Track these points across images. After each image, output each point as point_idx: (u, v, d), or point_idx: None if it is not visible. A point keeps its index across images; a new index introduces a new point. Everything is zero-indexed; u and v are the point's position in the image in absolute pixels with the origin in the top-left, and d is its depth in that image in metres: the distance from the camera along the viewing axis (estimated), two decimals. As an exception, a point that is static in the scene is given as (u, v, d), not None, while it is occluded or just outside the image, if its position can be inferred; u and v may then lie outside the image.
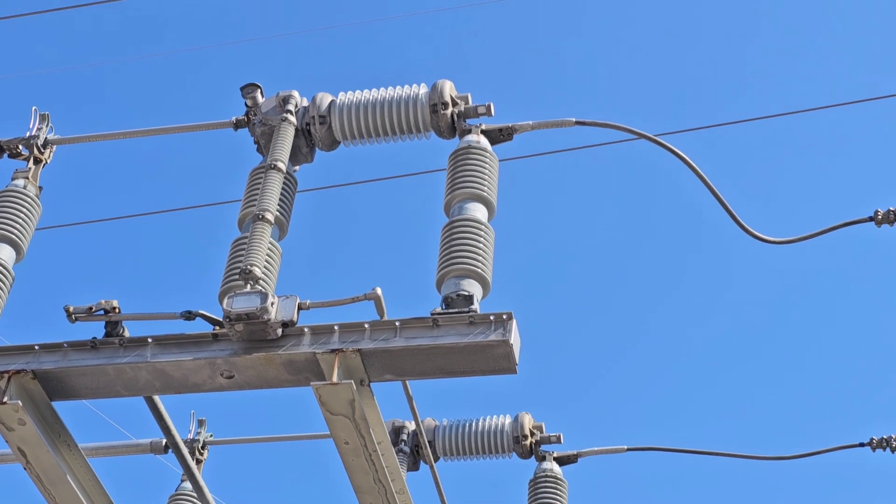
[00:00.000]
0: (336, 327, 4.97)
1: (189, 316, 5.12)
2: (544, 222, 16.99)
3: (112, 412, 7.57)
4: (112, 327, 5.19)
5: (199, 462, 7.51)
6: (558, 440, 7.12)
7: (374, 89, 5.72)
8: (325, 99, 5.74)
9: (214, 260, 5.48)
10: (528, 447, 7.09)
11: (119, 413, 7.58)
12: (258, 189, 5.43)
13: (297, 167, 5.78)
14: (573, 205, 17.35)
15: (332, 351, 4.90)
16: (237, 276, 5.13)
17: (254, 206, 5.37)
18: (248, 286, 5.04)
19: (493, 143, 5.63)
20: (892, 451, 7.09)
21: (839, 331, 17.43)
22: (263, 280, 5.10)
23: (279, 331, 4.96)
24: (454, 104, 5.62)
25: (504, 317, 4.86)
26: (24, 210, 5.74)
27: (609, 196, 17.21)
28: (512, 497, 7.18)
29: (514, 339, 4.83)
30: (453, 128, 5.64)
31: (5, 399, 5.05)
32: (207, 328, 5.12)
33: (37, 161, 5.95)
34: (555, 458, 7.13)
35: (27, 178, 5.87)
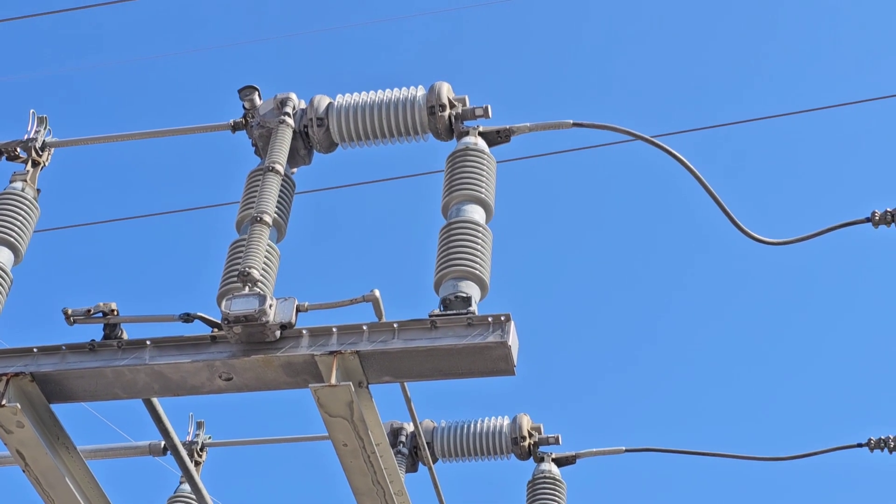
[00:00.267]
0: (334, 329, 4.98)
1: (187, 318, 5.13)
2: (542, 223, 17.01)
3: (111, 414, 7.58)
4: (110, 329, 5.20)
5: (197, 464, 7.51)
6: (556, 441, 7.13)
7: (371, 91, 5.73)
8: (322, 101, 5.75)
9: (212, 262, 5.49)
10: (526, 448, 7.09)
11: (117, 415, 7.59)
12: (256, 191, 5.43)
13: (294, 169, 5.79)
14: (571, 206, 17.36)
15: (331, 353, 4.90)
16: (235, 279, 5.13)
17: (252, 208, 5.37)
18: (247, 288, 5.04)
19: (490, 144, 5.64)
20: (890, 452, 7.10)
21: (837, 332, 17.45)
22: (262, 282, 5.10)
23: (277, 333, 4.97)
24: (452, 106, 5.63)
25: (502, 318, 4.86)
26: (23, 213, 5.75)
27: (607, 197, 17.22)
28: (510, 498, 7.19)
29: (513, 340, 4.83)
30: (451, 130, 5.64)
31: (4, 402, 5.05)
32: (206, 330, 5.12)
33: (35, 164, 5.96)
34: (553, 460, 7.13)
35: (25, 180, 5.88)
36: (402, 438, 7.11)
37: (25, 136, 6.01)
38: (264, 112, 5.75)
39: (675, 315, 17.44)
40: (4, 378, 5.10)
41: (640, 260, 17.43)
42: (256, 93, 5.80)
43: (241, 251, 5.21)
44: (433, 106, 5.59)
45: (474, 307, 5.00)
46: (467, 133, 5.62)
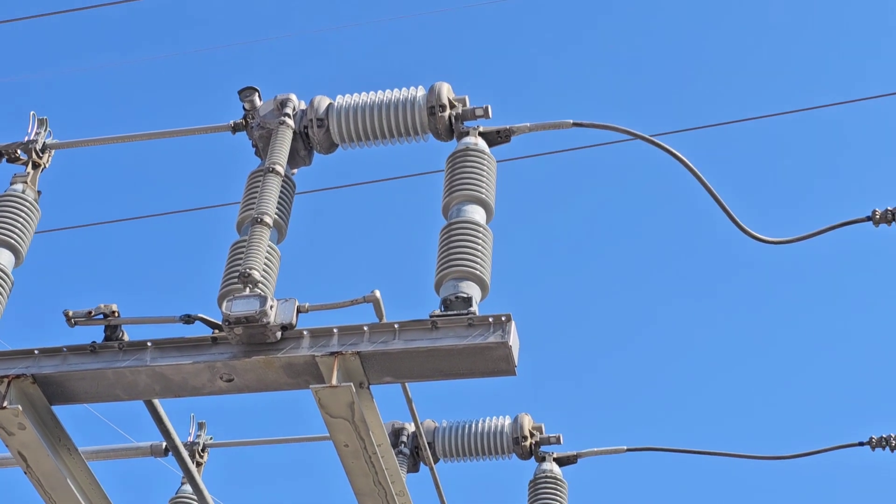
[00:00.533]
0: (335, 330, 4.98)
1: (188, 319, 5.13)
2: (542, 223, 17.00)
3: (112, 415, 7.58)
4: (111, 331, 5.20)
5: (199, 465, 7.52)
6: (558, 441, 7.13)
7: (371, 92, 5.73)
8: (322, 102, 5.75)
9: (213, 263, 5.49)
10: (527, 448, 7.09)
11: (119, 416, 7.59)
12: (256, 192, 5.44)
13: (295, 170, 5.79)
14: (571, 205, 17.36)
15: (332, 354, 4.91)
16: (236, 280, 5.13)
17: (252, 209, 5.37)
18: (247, 289, 5.05)
19: (490, 144, 5.64)
20: (892, 451, 7.10)
21: (837, 330, 17.45)
22: (262, 283, 5.11)
23: (278, 334, 4.97)
24: (452, 106, 5.63)
25: (503, 318, 4.86)
26: (23, 214, 5.75)
27: (607, 197, 17.22)
28: (512, 498, 7.19)
29: (513, 340, 4.83)
30: (451, 130, 5.64)
31: (5, 403, 5.06)
32: (207, 331, 5.12)
33: (35, 165, 5.96)
34: (554, 459, 7.13)
35: (26, 182, 5.88)
36: (404, 439, 7.11)
37: (26, 138, 6.01)
38: (264, 113, 5.75)
39: (676, 314, 17.44)
40: (6, 380, 5.10)
41: (641, 259, 17.43)
42: (256, 94, 5.80)
43: (242, 252, 5.21)
44: (433, 106, 5.59)
45: (475, 307, 5.00)
46: (467, 133, 5.62)
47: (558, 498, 6.98)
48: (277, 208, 5.42)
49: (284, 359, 4.96)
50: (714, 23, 17.60)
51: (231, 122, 5.84)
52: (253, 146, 5.80)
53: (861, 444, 7.17)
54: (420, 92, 5.65)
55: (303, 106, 5.77)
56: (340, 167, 6.17)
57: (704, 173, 5.77)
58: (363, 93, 5.74)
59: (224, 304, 4.97)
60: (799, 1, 17.74)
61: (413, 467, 7.13)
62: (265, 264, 5.19)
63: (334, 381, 4.86)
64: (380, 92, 5.72)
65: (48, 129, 6.07)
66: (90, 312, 5.20)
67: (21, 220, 5.73)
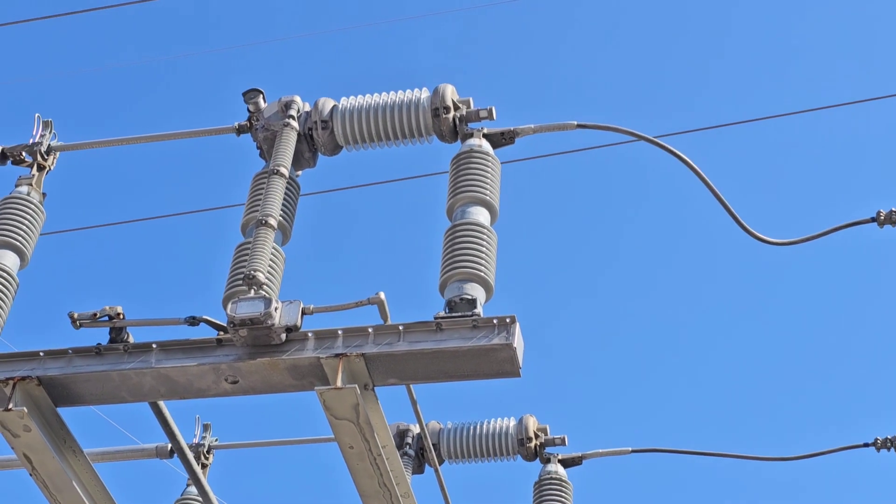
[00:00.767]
0: (340, 332, 4.98)
1: (193, 321, 5.13)
2: (546, 224, 17.00)
3: (117, 416, 7.60)
4: (116, 333, 5.20)
5: (204, 466, 7.52)
6: (563, 442, 7.13)
7: (375, 94, 5.74)
8: (327, 104, 5.75)
9: (218, 265, 5.50)
10: (532, 449, 7.09)
11: (124, 417, 7.60)
12: (261, 194, 5.44)
13: (299, 172, 5.79)
14: (575, 207, 17.36)
15: (336, 355, 4.91)
16: (241, 282, 5.14)
17: (257, 211, 5.38)
18: (252, 291, 5.05)
19: (495, 146, 5.64)
20: (897, 451, 7.09)
21: (843, 331, 17.43)
22: (267, 285, 5.11)
23: (283, 336, 4.97)
24: (456, 108, 5.63)
25: (507, 320, 4.86)
26: (28, 217, 5.76)
27: (611, 198, 17.21)
28: (517, 499, 7.19)
29: (518, 342, 4.84)
30: (455, 132, 5.65)
31: (10, 406, 5.06)
32: (212, 333, 5.13)
33: (40, 168, 5.97)
34: (559, 461, 7.13)
35: (31, 184, 5.89)
36: (409, 440, 7.11)
37: (31, 140, 6.02)
38: (269, 115, 5.76)
39: (681, 314, 17.43)
40: (11, 382, 5.11)
41: (645, 261, 17.43)
42: (261, 96, 5.81)
43: (247, 254, 5.22)
44: (437, 108, 5.60)
45: (479, 309, 5.00)
46: (472, 135, 5.62)
47: (563, 499, 6.98)
48: (282, 210, 5.42)
49: (289, 360, 4.96)
50: (718, 24, 17.59)
51: (235, 124, 5.85)
52: (257, 148, 5.81)
53: (866, 445, 7.17)
54: (424, 94, 5.66)
55: (307, 108, 5.77)
56: (345, 169, 6.18)
57: (708, 175, 5.77)
58: (367, 95, 5.74)
59: (229, 306, 4.97)
60: (804, 1, 17.74)
61: (418, 469, 7.14)
62: (270, 266, 5.20)
63: (339, 383, 4.86)
64: (384, 94, 5.72)
65: (53, 131, 6.08)
66: (95, 314, 5.21)
67: (26, 222, 5.74)
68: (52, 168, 6.02)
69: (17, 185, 5.90)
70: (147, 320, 5.22)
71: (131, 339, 5.21)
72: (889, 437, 7.11)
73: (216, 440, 7.69)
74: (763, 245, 5.90)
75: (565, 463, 7.15)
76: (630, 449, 7.29)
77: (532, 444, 7.08)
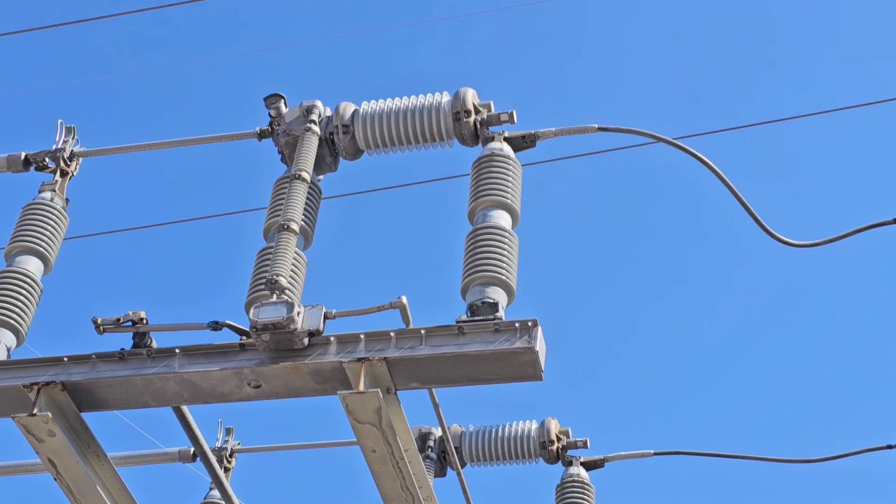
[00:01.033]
0: (362, 336, 4.99)
1: (216, 326, 5.15)
2: (568, 227, 16.99)
3: (140, 420, 7.62)
4: (140, 338, 5.22)
5: (227, 470, 7.55)
6: (585, 445, 7.12)
7: (396, 98, 5.75)
8: (348, 108, 5.76)
9: (240, 270, 5.51)
10: (554, 452, 7.09)
11: (147, 421, 7.63)
12: (283, 199, 5.46)
13: (321, 176, 5.81)
14: (597, 209, 17.34)
15: (359, 360, 4.92)
16: (263, 286, 5.15)
17: (279, 216, 5.39)
18: (275, 296, 5.06)
19: (515, 150, 5.65)
20: (920, 453, 7.07)
21: (865, 332, 17.37)
22: (289, 290, 5.12)
23: (305, 340, 4.98)
24: (477, 112, 5.64)
25: (529, 324, 4.87)
26: (52, 223, 5.79)
27: (633, 200, 17.19)
28: (539, 502, 7.19)
29: (540, 346, 4.84)
30: (476, 135, 5.65)
31: (35, 411, 5.09)
32: (234, 338, 5.14)
33: (63, 174, 6.00)
34: (581, 463, 7.13)
35: (54, 190, 5.92)
36: (431, 443, 7.12)
37: (54, 147, 6.06)
38: (290, 120, 5.77)
39: (702, 317, 17.39)
40: (36, 387, 5.14)
41: (666, 263, 17.39)
42: (282, 101, 5.82)
43: (269, 259, 5.23)
44: (458, 112, 5.60)
45: (501, 313, 5.00)
46: (493, 139, 5.63)
47: (585, 502, 6.98)
48: (304, 215, 5.44)
49: (312, 365, 4.97)
50: (739, 25, 17.56)
51: (257, 128, 5.87)
52: (279, 153, 5.82)
53: (889, 447, 7.15)
54: (445, 97, 5.66)
55: (328, 112, 5.79)
56: (366, 172, 6.19)
57: (729, 176, 5.77)
58: (388, 99, 5.75)
59: (251, 310, 4.99)
60: (828, 1, 17.68)
61: (440, 472, 7.14)
62: (292, 271, 5.21)
63: (361, 387, 4.87)
64: (405, 98, 5.73)
65: (76, 136, 6.11)
66: (119, 320, 5.22)
67: (49, 228, 5.77)
68: (75, 174, 6.05)
69: (40, 191, 5.94)
70: (170, 325, 5.23)
71: (154, 344, 5.22)
72: (912, 438, 7.09)
73: (238, 444, 7.71)
74: (785, 247, 5.89)
75: (587, 466, 7.14)
76: (652, 451, 7.28)
77: (554, 447, 7.08)
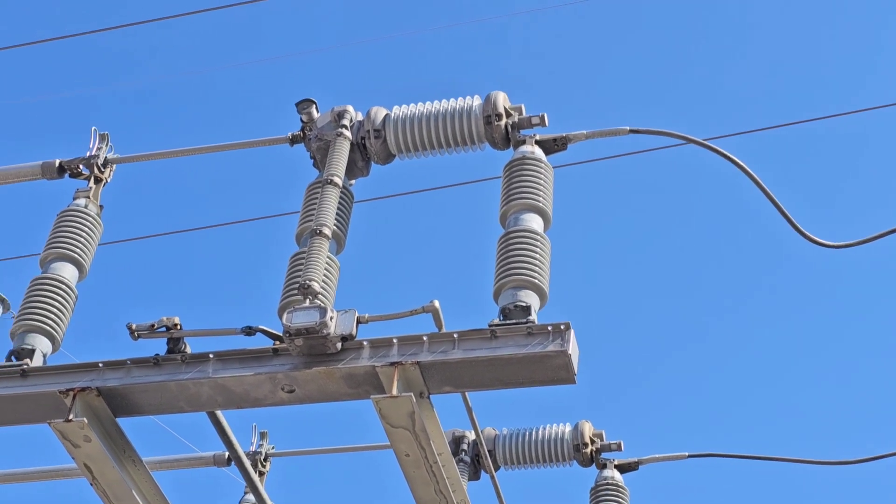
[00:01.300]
0: (395, 340, 5.00)
1: (249, 331, 5.16)
2: (599, 229, 16.96)
3: (175, 425, 7.66)
4: (174, 344, 5.25)
5: (261, 474, 7.57)
6: (619, 448, 7.11)
7: (427, 102, 5.75)
8: (379, 113, 5.77)
9: (273, 274, 5.53)
10: (588, 455, 7.08)
11: (182, 426, 7.66)
12: (315, 204, 5.47)
13: (353, 181, 5.82)
14: (628, 211, 17.30)
15: (392, 364, 4.93)
16: (296, 291, 5.17)
17: (311, 220, 5.41)
18: (307, 301, 5.08)
19: (547, 153, 5.64)
20: (957, 455, 7.02)
21: (900, 332, 17.26)
22: (322, 294, 5.14)
23: (339, 345, 5.00)
24: (508, 115, 5.64)
25: (562, 327, 4.86)
26: (86, 229, 5.83)
27: (664, 202, 17.15)
28: (573, 505, 7.18)
29: (573, 349, 4.83)
30: (507, 139, 5.65)
31: (71, 416, 5.12)
32: (268, 343, 5.16)
33: (97, 180, 6.04)
34: (616, 466, 7.11)
35: (88, 197, 5.96)
36: (464, 447, 7.12)
37: (87, 154, 6.09)
38: (322, 125, 5.79)
39: (735, 319, 17.33)
40: (71, 393, 5.17)
41: (698, 263, 17.34)
42: (314, 106, 5.84)
43: (302, 264, 5.25)
44: (489, 115, 5.61)
45: (534, 316, 5.00)
46: (524, 142, 5.63)
47: (620, 505, 6.96)
48: (336, 219, 5.45)
49: (345, 369, 4.99)
50: (770, 24, 17.49)
51: (289, 134, 5.89)
52: (311, 158, 5.84)
53: (927, 448, 7.10)
54: (476, 101, 5.67)
55: (360, 117, 5.80)
56: (397, 176, 6.20)
57: (761, 176, 5.74)
58: (419, 103, 5.76)
59: (284, 315, 5.00)
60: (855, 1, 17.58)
61: (474, 475, 7.14)
62: (325, 275, 5.22)
63: (394, 392, 4.88)
64: (436, 102, 5.74)
65: (109, 143, 6.14)
66: (153, 325, 5.25)
67: (84, 234, 5.80)
68: (108, 180, 6.09)
69: (74, 198, 5.97)
70: (204, 331, 5.25)
71: (188, 350, 5.25)
72: (949, 440, 7.04)
73: (273, 448, 7.74)
74: (818, 247, 5.87)
75: (621, 468, 7.12)
76: (687, 454, 7.25)
77: (588, 450, 7.06)
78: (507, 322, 4.96)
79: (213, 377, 5.11)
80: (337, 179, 5.50)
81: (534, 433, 7.20)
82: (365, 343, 5.01)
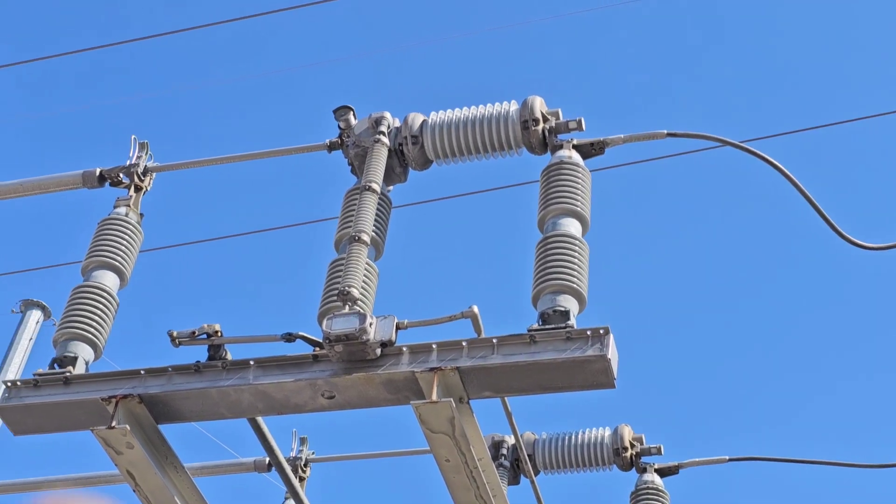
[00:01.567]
0: (434, 346, 5.01)
1: (289, 338, 5.18)
2: (638, 233, 16.92)
3: (216, 431, 7.70)
4: (215, 350, 5.27)
5: (301, 480, 7.61)
6: (659, 452, 7.09)
7: (464, 108, 5.76)
8: (416, 119, 5.78)
9: (312, 281, 5.55)
10: (628, 459, 7.07)
11: (223, 432, 7.71)
12: (353, 210, 5.49)
13: (391, 187, 5.84)
14: (666, 214, 17.26)
15: (431, 369, 4.93)
16: (335, 298, 5.18)
17: (350, 227, 5.42)
18: (347, 307, 5.09)
19: (584, 157, 5.63)
20: None
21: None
22: (361, 301, 5.15)
23: (378, 351, 5.01)
24: (545, 120, 5.64)
25: (601, 332, 4.85)
26: (127, 237, 5.86)
27: (703, 204, 17.09)
28: (613, 509, 7.17)
29: (612, 353, 4.83)
30: (545, 143, 5.65)
31: (114, 423, 5.16)
32: (308, 349, 5.18)
33: (137, 189, 6.08)
34: (656, 470, 7.10)
35: (129, 205, 6.00)
36: (504, 451, 7.13)
37: (128, 162, 6.14)
38: (359, 131, 5.80)
39: (775, 321, 17.25)
40: (114, 400, 5.21)
41: (738, 267, 17.27)
42: (351, 112, 5.85)
43: (341, 270, 5.26)
44: (527, 120, 5.60)
45: (573, 321, 4.99)
46: (561, 146, 5.62)
47: (660, 509, 6.95)
48: (374, 226, 5.46)
49: (385, 375, 5.00)
50: (806, 26, 17.40)
51: (327, 140, 5.90)
52: (349, 164, 5.86)
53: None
54: (513, 106, 5.67)
55: (397, 123, 5.81)
56: (435, 181, 6.21)
57: (799, 178, 5.72)
58: (456, 109, 5.77)
59: (324, 322, 5.02)
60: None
61: (514, 480, 7.15)
62: (364, 282, 5.24)
63: (434, 397, 4.89)
64: (473, 107, 5.74)
65: (149, 152, 6.18)
66: (194, 332, 5.28)
67: (125, 242, 5.84)
68: (148, 189, 6.13)
69: (115, 207, 6.02)
70: (244, 337, 5.28)
71: (229, 356, 5.27)
72: None
73: (313, 453, 7.77)
74: (858, 249, 5.83)
75: (662, 472, 7.11)
76: (727, 457, 7.23)
77: (628, 454, 7.06)
78: (546, 327, 4.96)
79: (253, 384, 5.13)
80: (375, 186, 5.52)
81: (573, 437, 7.19)
82: (404, 349, 5.02)
